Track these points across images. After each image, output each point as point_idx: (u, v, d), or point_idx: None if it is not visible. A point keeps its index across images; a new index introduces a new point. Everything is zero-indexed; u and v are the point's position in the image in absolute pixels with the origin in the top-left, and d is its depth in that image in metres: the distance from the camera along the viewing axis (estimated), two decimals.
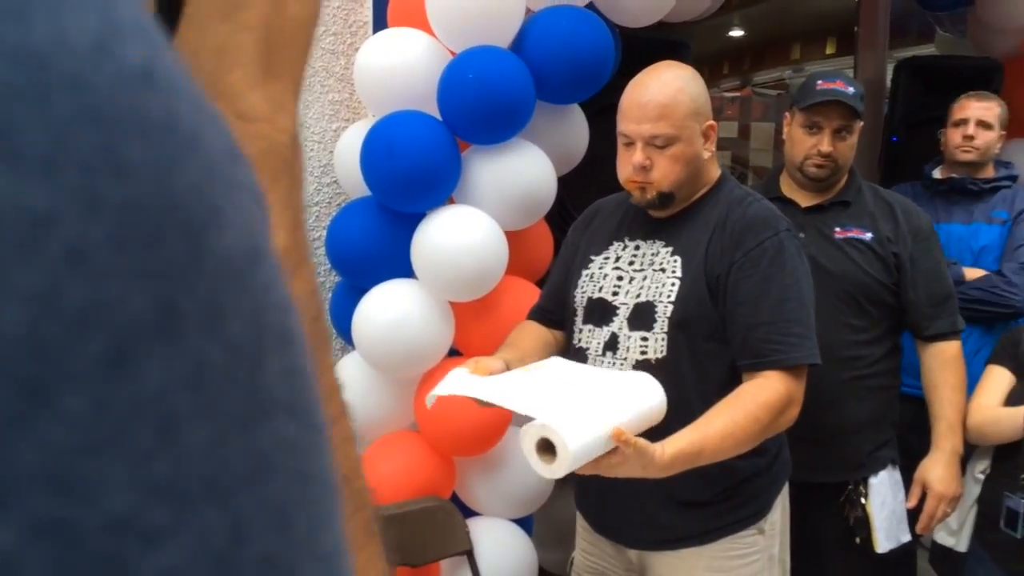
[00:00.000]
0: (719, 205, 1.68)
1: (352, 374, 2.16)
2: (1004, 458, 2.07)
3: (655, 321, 1.64)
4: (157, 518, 0.13)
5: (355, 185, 2.18)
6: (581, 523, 1.86)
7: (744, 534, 1.68)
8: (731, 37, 6.42)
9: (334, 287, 2.35)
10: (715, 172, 1.75)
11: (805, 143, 2.15)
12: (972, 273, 2.58)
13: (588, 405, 1.38)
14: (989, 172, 2.70)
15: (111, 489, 0.13)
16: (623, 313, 1.67)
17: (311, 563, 0.15)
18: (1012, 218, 2.60)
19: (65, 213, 0.12)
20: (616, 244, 1.76)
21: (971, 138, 2.63)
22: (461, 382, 1.47)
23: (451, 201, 2.14)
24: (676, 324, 1.62)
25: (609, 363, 1.67)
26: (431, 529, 2.05)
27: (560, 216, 2.50)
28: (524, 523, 2.30)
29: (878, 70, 3.87)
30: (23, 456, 0.12)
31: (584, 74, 2.11)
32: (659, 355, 1.63)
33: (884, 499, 2.11)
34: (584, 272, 1.77)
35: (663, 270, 1.67)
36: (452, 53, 2.09)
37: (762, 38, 6.56)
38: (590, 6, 2.18)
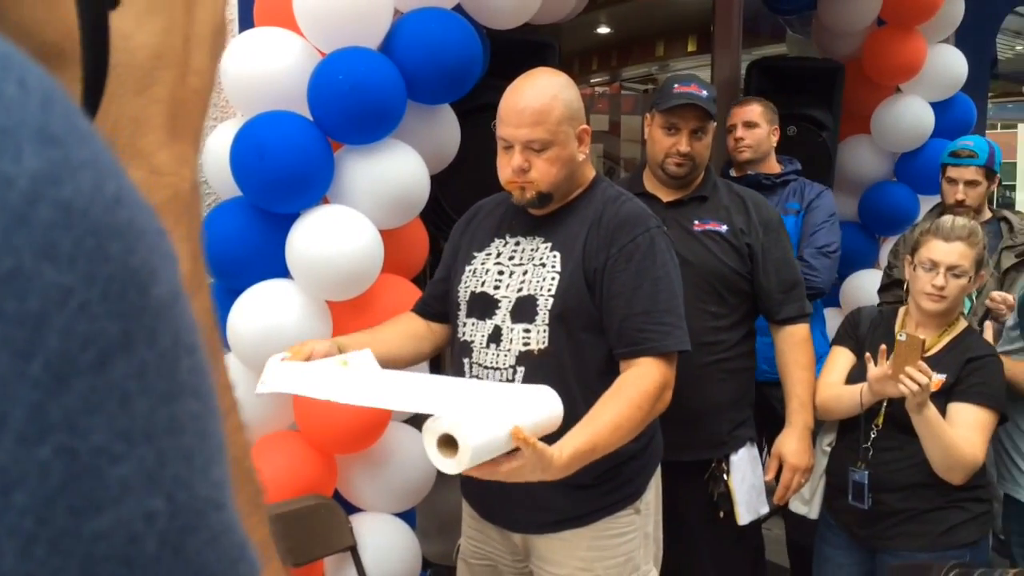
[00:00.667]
0: (594, 203, 1.77)
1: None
2: (847, 432, 2.26)
3: (536, 314, 1.71)
4: (119, 448, 0.23)
5: (225, 186, 2.16)
6: (467, 510, 1.92)
7: (622, 514, 1.77)
8: (598, 34, 6.60)
9: None
10: (590, 172, 1.85)
11: (664, 143, 2.27)
12: None
13: (489, 407, 1.41)
14: (776, 168, 2.97)
15: (97, 432, 0.23)
16: (505, 306, 1.75)
17: (206, 487, 0.26)
18: (804, 208, 2.86)
19: (77, 286, 0.23)
20: (497, 240, 1.84)
21: (741, 139, 2.91)
22: (285, 377, 1.49)
23: (325, 201, 2.15)
24: (556, 316, 1.70)
25: (494, 354, 1.73)
26: (314, 527, 2.06)
27: (435, 213, 2.54)
28: (407, 516, 2.34)
29: (733, 69, 4.08)
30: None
31: (453, 75, 2.16)
32: (541, 346, 1.70)
33: (744, 475, 2.26)
34: (467, 268, 1.83)
35: (543, 264, 1.75)
36: (321, 54, 2.10)
37: (628, 35, 6.77)
38: (458, 8, 2.23)
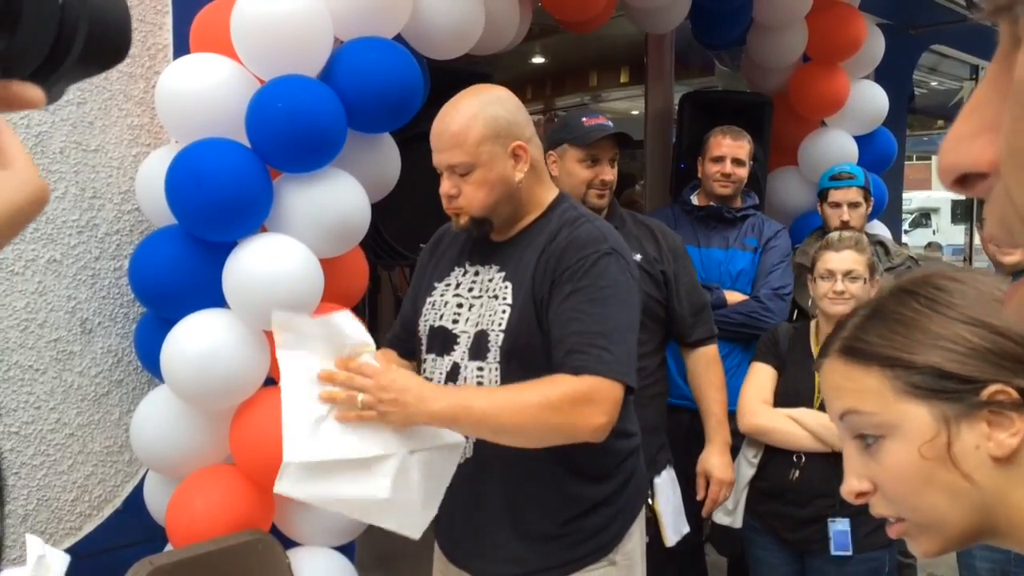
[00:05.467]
0: (550, 227, 1.66)
1: (162, 409, 2.09)
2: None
3: (488, 351, 1.62)
4: None
5: (159, 213, 2.11)
6: (438, 553, 1.84)
7: (595, 567, 1.66)
8: (533, 64, 6.68)
9: (139, 318, 2.25)
10: (547, 194, 1.72)
11: (584, 175, 2.32)
12: (732, 296, 2.88)
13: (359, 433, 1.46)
14: (738, 201, 3.05)
15: None
16: (464, 342, 1.65)
17: None
18: (761, 245, 2.93)
19: None
20: (457, 270, 1.75)
21: (729, 175, 2.96)
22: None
23: (263, 229, 2.12)
24: (507, 353, 1.60)
25: None
26: (251, 563, 2.01)
27: (375, 242, 2.53)
28: (346, 549, 2.30)
29: (666, 100, 4.18)
30: None
31: (394, 104, 2.16)
32: (494, 384, 1.61)
33: (668, 497, 2.31)
34: (428, 300, 1.75)
35: (496, 297, 1.65)
36: (260, 80, 2.08)
37: (562, 66, 6.87)
38: (398, 38, 2.24)
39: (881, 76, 3.94)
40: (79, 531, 2.22)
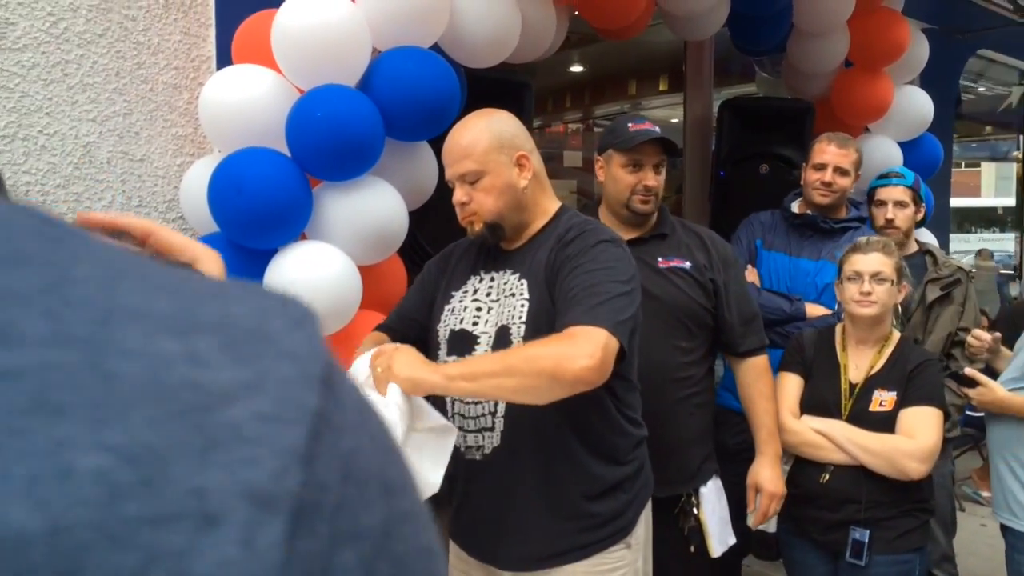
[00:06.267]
0: (558, 229, 1.79)
1: None
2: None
3: (512, 342, 1.73)
4: None
5: (202, 221, 2.15)
6: (454, 551, 1.90)
7: (613, 549, 1.77)
8: (572, 73, 6.69)
9: None
10: (551, 204, 1.87)
11: (628, 180, 2.29)
12: (813, 310, 2.77)
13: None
14: (842, 212, 2.92)
15: None
16: (485, 341, 1.76)
17: None
18: None
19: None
20: (473, 278, 1.87)
21: (829, 184, 2.83)
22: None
23: (303, 237, 2.15)
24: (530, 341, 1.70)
25: None
26: None
27: (412, 249, 2.55)
28: None
29: (705, 108, 4.16)
30: None
31: (431, 113, 2.18)
32: None
33: (714, 507, 2.28)
34: (446, 307, 1.86)
35: (513, 295, 1.77)
36: (299, 91, 2.11)
37: (601, 74, 6.88)
38: (435, 47, 2.26)
39: (927, 81, 3.88)
40: None
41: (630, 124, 2.32)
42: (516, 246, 1.84)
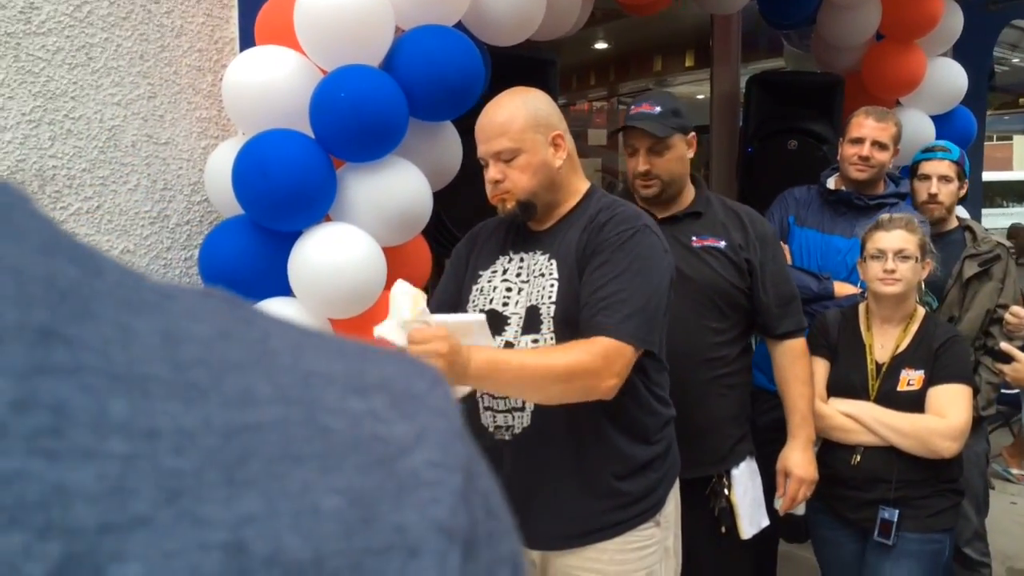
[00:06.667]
0: (589, 210, 1.79)
1: None
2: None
3: (541, 323, 1.74)
4: None
5: (227, 203, 2.15)
6: None
7: (643, 527, 1.78)
8: (596, 49, 6.62)
9: None
10: (582, 184, 1.86)
11: (629, 165, 2.27)
12: (842, 288, 2.70)
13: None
14: (879, 188, 2.84)
15: None
16: (515, 322, 1.77)
17: None
18: None
19: None
20: (502, 258, 1.86)
21: (866, 159, 2.75)
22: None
23: (327, 219, 2.14)
24: (560, 322, 1.72)
25: None
26: None
27: (437, 230, 2.54)
28: None
29: (732, 83, 4.10)
30: None
31: (455, 92, 2.16)
32: None
33: (746, 488, 2.25)
34: (474, 287, 1.85)
35: (543, 275, 1.77)
36: (323, 71, 2.10)
37: (626, 50, 6.79)
38: (459, 25, 2.23)
39: (960, 53, 3.79)
40: None
41: (633, 106, 2.26)
42: (545, 226, 1.83)
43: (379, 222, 2.11)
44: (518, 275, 1.81)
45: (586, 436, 1.75)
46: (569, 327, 1.70)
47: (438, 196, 2.28)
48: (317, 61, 2.11)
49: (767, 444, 2.39)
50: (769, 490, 2.34)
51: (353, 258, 2.02)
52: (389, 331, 1.53)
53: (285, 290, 2.08)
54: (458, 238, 2.66)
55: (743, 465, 2.27)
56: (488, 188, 1.80)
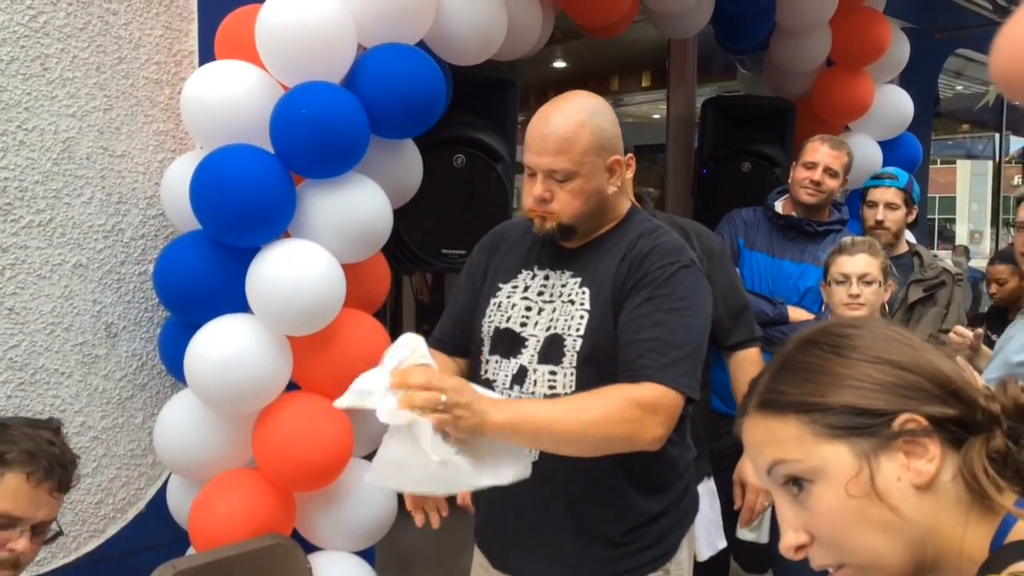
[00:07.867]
0: (628, 235, 1.65)
1: (185, 413, 2.10)
2: None
3: (564, 355, 1.60)
4: None
5: (184, 218, 2.13)
6: (479, 559, 1.79)
7: None
8: (555, 68, 6.67)
9: (163, 323, 2.27)
10: (624, 204, 1.72)
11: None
12: (796, 313, 2.76)
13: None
14: (825, 215, 2.92)
15: None
16: (532, 346, 1.63)
17: None
18: None
19: None
20: (525, 273, 1.72)
21: (818, 183, 2.83)
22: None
23: (287, 235, 2.13)
24: (585, 358, 1.58)
25: (517, 396, 1.61)
26: (272, 567, 2.02)
27: (397, 247, 2.53)
28: (367, 554, 2.30)
29: (688, 105, 4.17)
30: None
31: (416, 110, 2.17)
32: (568, 390, 1.58)
33: (703, 510, 2.26)
34: (492, 300, 1.71)
35: (572, 302, 1.63)
36: (284, 87, 2.09)
37: (584, 70, 6.85)
38: (421, 44, 2.24)
39: (906, 80, 3.90)
40: (103, 534, 2.24)
41: None
42: (578, 244, 1.68)
43: (339, 239, 2.10)
44: (540, 294, 1.67)
45: (593, 481, 1.61)
46: (593, 364, 1.57)
47: (398, 213, 2.29)
48: (278, 77, 2.10)
49: (726, 469, 2.40)
50: (727, 515, 2.34)
51: (312, 275, 2.01)
52: (374, 381, 1.32)
53: (243, 306, 2.07)
54: (417, 255, 2.68)
55: (701, 486, 2.27)
56: (527, 199, 1.62)
